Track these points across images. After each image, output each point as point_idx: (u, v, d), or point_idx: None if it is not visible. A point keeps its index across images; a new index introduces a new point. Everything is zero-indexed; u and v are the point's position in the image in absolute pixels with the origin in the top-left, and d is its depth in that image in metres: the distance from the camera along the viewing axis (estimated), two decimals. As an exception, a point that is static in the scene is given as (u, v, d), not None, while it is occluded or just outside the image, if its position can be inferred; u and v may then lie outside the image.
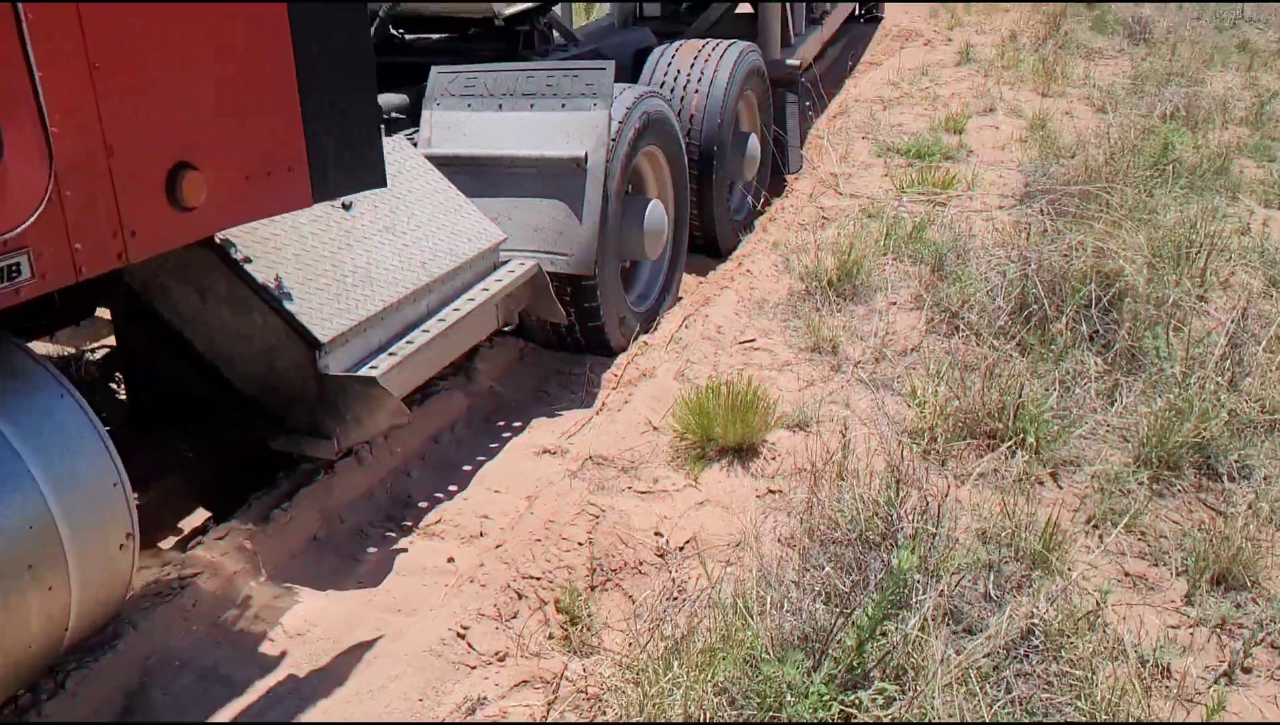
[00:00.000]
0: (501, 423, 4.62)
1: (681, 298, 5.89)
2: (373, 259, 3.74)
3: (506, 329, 4.51)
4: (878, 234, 6.37)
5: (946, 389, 4.43)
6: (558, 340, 5.09)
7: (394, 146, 4.35)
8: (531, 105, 4.73)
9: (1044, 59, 10.79)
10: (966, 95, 9.90)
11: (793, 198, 7.42)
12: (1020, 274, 5.14)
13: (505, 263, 4.45)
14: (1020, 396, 4.21)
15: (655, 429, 4.41)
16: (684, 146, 5.67)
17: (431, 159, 4.67)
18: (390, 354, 3.60)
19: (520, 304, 4.53)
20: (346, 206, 3.84)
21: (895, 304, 5.55)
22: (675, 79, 6.33)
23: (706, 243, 6.55)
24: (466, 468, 4.24)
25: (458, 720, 2.89)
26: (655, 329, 5.39)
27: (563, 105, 4.69)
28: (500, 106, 4.77)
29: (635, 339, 5.21)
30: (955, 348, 4.97)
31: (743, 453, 4.20)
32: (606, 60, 4.81)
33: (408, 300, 3.78)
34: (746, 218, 6.96)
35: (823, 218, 7.01)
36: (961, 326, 5.13)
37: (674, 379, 4.78)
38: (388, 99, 5.03)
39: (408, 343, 3.69)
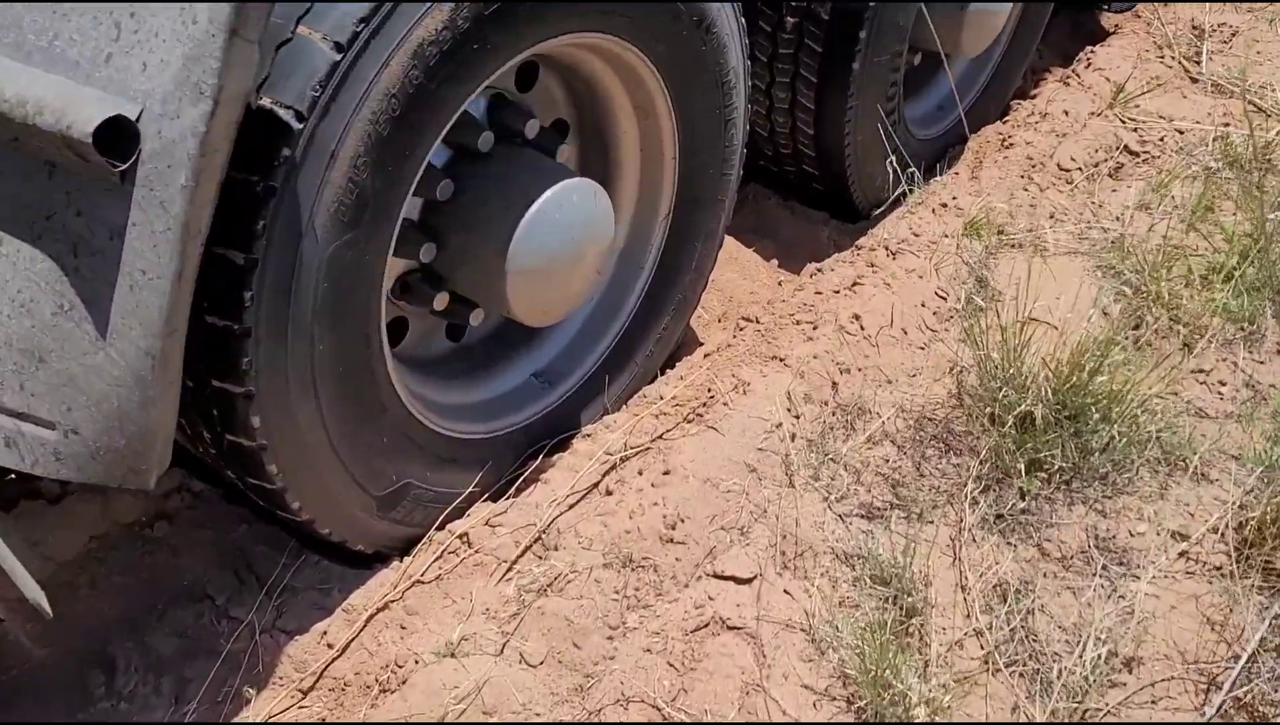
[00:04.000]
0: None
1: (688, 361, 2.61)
2: None
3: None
4: (1222, 247, 2.72)
5: None
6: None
7: None
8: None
9: None
10: None
11: (1079, 86, 3.60)
12: None
13: None
14: None
15: None
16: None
17: None
18: None
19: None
20: None
21: (1197, 545, 2.06)
22: None
23: (830, 193, 3.09)
24: None
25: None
26: (525, 488, 2.20)
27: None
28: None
29: (446, 519, 2.10)
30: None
31: None
32: None
33: None
34: (947, 134, 3.31)
35: (1126, 151, 3.27)
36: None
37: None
38: None
39: None
